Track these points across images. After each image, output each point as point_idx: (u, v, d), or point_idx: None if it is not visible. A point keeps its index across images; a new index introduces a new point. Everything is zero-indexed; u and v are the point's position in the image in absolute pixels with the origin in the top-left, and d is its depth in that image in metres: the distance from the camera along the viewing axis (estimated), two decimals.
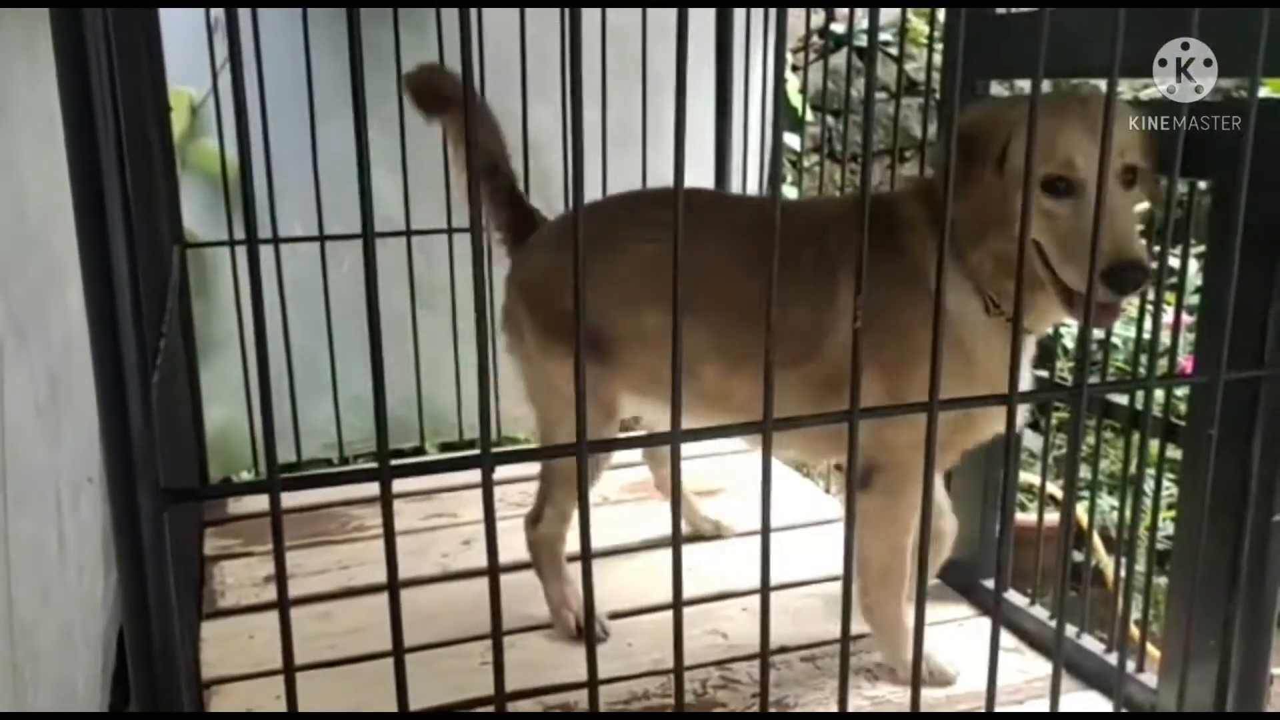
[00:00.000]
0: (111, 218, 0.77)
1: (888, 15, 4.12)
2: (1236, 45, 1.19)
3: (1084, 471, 1.93)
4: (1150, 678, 1.72)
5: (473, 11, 1.21)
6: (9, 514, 1.19)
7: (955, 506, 1.97)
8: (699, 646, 1.92)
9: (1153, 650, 1.79)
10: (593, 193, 2.27)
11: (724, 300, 1.61)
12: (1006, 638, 1.93)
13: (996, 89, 1.94)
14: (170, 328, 1.84)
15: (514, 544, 1.93)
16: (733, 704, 1.79)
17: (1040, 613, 1.96)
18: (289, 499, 1.11)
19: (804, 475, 2.82)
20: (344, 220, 2.53)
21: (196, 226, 2.62)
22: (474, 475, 0.91)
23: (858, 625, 1.57)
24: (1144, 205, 1.58)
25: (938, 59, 2.44)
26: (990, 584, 2.00)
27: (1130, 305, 1.65)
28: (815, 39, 3.94)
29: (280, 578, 0.91)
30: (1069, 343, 2.56)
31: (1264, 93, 1.36)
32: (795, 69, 4.04)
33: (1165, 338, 1.67)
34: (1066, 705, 1.73)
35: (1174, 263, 1.95)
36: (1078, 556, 2.38)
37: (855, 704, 1.76)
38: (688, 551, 2.12)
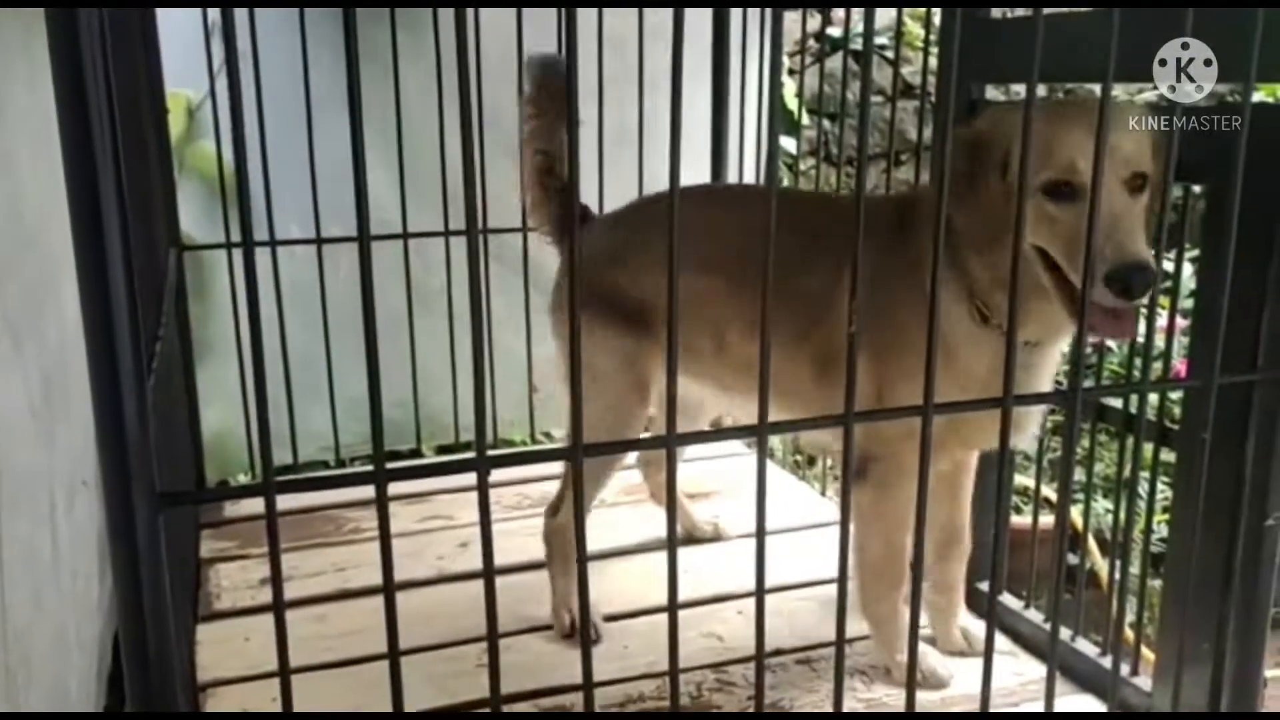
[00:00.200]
0: (108, 220, 0.77)
1: (883, 19, 4.13)
2: (1231, 49, 1.19)
3: (1079, 475, 1.94)
4: (1145, 680, 1.72)
5: (469, 13, 1.21)
6: (2, 517, 1.19)
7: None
8: (695, 649, 1.92)
9: (1147, 653, 1.80)
10: (590, 194, 2.29)
11: (755, 275, 1.66)
12: (1001, 640, 1.93)
13: (992, 93, 1.94)
14: (167, 330, 1.84)
15: (510, 546, 1.93)
16: (728, 706, 1.79)
17: (1035, 615, 1.97)
18: (285, 501, 1.11)
19: (800, 478, 2.82)
20: (341, 223, 2.54)
21: (194, 229, 2.62)
22: (470, 478, 0.91)
23: (853, 628, 1.57)
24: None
25: (933, 62, 2.45)
26: (985, 587, 2.00)
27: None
28: (811, 43, 3.95)
29: (276, 580, 0.91)
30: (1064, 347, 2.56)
31: (1258, 97, 1.36)
32: (792, 72, 4.05)
33: (1160, 341, 1.67)
34: (1061, 708, 1.73)
35: (1169, 266, 1.95)
36: (1073, 559, 2.39)
37: (850, 706, 1.76)
38: (684, 554, 2.13)
